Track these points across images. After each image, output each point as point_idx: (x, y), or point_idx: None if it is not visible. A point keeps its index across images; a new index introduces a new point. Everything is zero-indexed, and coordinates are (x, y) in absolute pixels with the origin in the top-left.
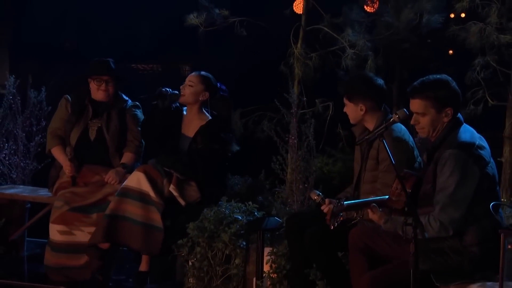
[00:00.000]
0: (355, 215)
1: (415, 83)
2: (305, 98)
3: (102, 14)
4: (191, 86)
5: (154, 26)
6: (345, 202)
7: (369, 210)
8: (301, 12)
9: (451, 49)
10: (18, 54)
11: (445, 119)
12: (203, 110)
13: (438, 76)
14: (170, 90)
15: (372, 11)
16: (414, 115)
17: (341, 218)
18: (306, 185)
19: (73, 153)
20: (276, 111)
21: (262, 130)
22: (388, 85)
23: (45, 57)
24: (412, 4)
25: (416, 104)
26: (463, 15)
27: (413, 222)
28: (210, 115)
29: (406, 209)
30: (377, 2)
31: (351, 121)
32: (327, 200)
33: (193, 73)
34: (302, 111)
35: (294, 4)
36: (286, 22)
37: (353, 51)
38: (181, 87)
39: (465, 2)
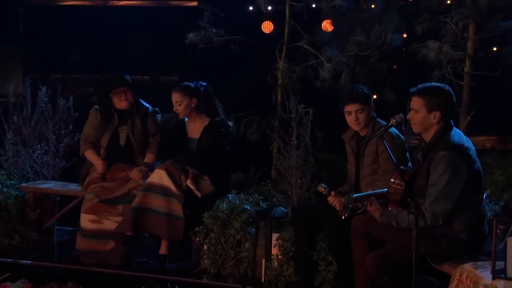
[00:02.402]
0: (360, 206)
1: (419, 85)
2: (302, 105)
3: (102, 32)
4: (179, 104)
5: (148, 43)
6: (353, 195)
7: (367, 204)
8: (268, 32)
9: (397, 64)
10: (30, 67)
11: (433, 121)
12: (200, 113)
13: (439, 84)
14: (169, 115)
15: (329, 31)
16: (411, 111)
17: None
18: (303, 179)
19: (106, 153)
20: (264, 116)
21: (252, 133)
22: None
23: (53, 69)
24: (378, 25)
25: (414, 101)
26: (405, 35)
27: (415, 210)
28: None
29: (408, 199)
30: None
31: (361, 126)
32: (332, 192)
33: (174, 93)
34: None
35: (262, 25)
36: (272, 40)
37: (330, 65)
38: (174, 109)
39: (425, 24)
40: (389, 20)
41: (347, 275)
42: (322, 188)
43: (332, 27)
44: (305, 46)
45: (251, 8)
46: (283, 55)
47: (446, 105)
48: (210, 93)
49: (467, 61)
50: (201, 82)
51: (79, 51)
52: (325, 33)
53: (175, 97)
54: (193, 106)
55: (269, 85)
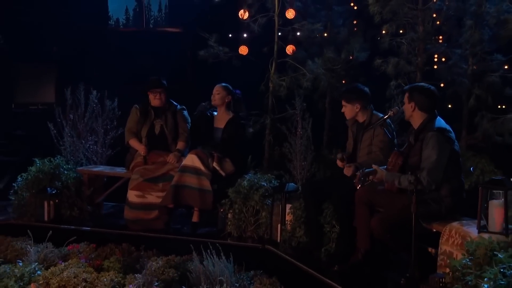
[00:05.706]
0: (368, 179)
1: (410, 84)
2: (304, 104)
3: (116, 51)
4: (218, 94)
5: (154, 58)
6: (366, 170)
7: (374, 167)
8: (245, 54)
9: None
10: (61, 80)
11: (411, 109)
12: (228, 110)
13: (423, 84)
14: (204, 103)
15: (291, 53)
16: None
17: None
18: (304, 163)
19: (146, 141)
20: (259, 116)
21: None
22: (323, 99)
23: (79, 81)
24: (347, 45)
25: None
26: (351, 57)
27: (414, 181)
28: (233, 113)
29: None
30: (295, 48)
31: (348, 117)
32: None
33: (217, 85)
34: (278, 116)
35: (239, 49)
36: (265, 56)
37: (312, 76)
38: (212, 96)
39: (386, 43)
40: (355, 42)
41: (348, 235)
42: (340, 155)
43: (294, 50)
44: (290, 61)
45: (230, 35)
46: (273, 68)
47: (422, 99)
48: (241, 100)
49: (418, 73)
50: (237, 90)
51: (99, 66)
52: (301, 51)
53: (217, 88)
54: (226, 101)
55: (262, 92)
